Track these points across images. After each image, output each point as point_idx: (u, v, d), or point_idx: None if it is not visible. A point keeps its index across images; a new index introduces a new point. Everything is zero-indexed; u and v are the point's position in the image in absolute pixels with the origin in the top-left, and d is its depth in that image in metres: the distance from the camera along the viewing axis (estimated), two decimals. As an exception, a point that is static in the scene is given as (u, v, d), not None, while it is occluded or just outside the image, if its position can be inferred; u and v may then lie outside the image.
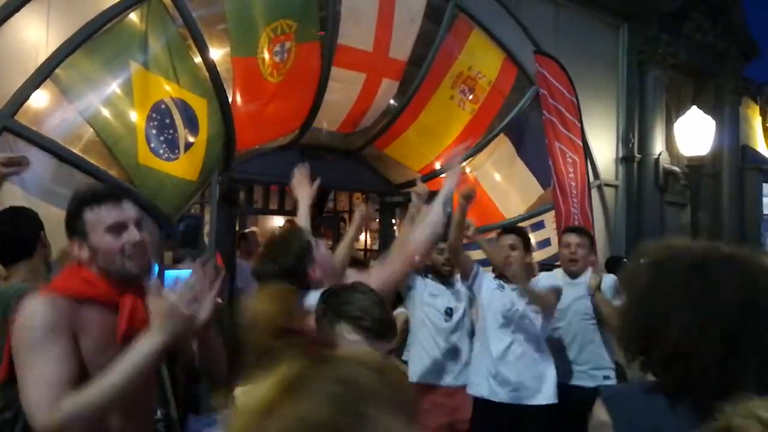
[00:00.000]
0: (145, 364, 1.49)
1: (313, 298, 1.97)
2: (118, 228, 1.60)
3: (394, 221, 7.03)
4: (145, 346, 1.48)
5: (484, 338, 3.37)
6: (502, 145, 6.04)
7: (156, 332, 1.49)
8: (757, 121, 13.00)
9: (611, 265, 5.29)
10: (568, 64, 6.38)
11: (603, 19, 7.65)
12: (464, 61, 5.64)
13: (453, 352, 3.54)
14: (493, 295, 3.40)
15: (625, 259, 6.13)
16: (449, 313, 3.57)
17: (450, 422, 3.43)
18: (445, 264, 3.63)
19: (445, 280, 3.68)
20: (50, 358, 1.46)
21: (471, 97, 5.74)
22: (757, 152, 11.51)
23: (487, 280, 3.48)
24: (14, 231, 2.22)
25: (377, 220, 6.86)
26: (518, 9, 6.24)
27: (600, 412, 1.13)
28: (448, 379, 3.49)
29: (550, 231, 5.80)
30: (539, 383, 3.22)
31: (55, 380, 1.44)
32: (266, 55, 4.37)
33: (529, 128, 5.94)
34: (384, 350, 1.56)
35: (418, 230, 2.20)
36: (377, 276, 2.04)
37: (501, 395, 3.22)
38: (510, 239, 3.50)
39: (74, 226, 1.62)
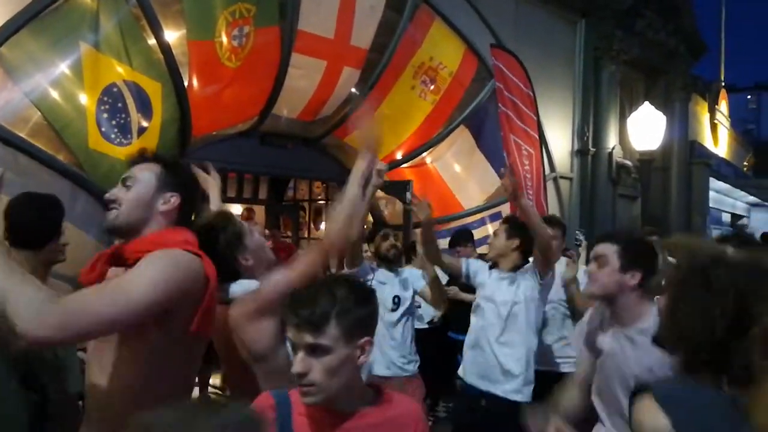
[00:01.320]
0: None
1: (239, 286, 1.91)
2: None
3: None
4: None
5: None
6: (462, 137, 6.10)
7: None
8: (705, 118, 13.55)
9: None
10: (526, 58, 6.47)
11: (561, 15, 7.79)
12: (426, 51, 5.65)
13: (401, 342, 3.45)
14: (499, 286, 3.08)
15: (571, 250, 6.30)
16: (396, 302, 3.47)
17: None
18: (390, 249, 3.50)
19: (392, 266, 3.55)
20: None
21: (432, 87, 5.76)
22: (704, 147, 11.99)
23: (482, 272, 3.14)
24: (34, 216, 2.01)
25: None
26: (479, 1, 6.28)
27: (650, 415, 1.00)
28: (396, 370, 3.41)
29: (507, 221, 5.90)
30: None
31: None
32: (224, 39, 4.26)
33: (488, 120, 6.01)
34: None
35: (331, 215, 2.03)
36: (275, 281, 1.90)
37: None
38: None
39: None
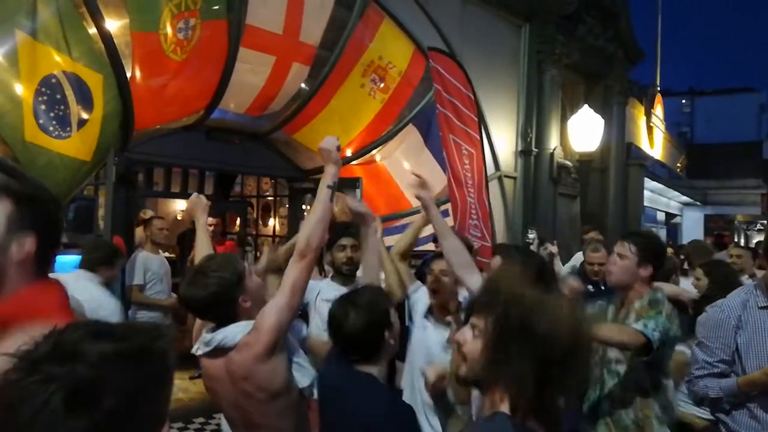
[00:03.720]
0: None
1: (235, 330, 1.85)
2: None
3: (303, 207, 6.99)
4: None
5: None
6: (411, 135, 6.19)
7: None
8: (641, 121, 14.18)
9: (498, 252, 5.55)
10: (472, 60, 6.63)
11: (507, 18, 7.99)
12: (375, 50, 5.70)
13: None
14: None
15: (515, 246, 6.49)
16: None
17: None
18: (347, 263, 3.15)
19: (348, 280, 3.16)
20: None
21: (381, 86, 5.82)
22: (640, 149, 12.56)
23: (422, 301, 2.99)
24: None
25: (286, 206, 6.81)
26: (427, 2, 6.38)
27: None
28: None
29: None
30: None
31: None
32: (169, 31, 4.18)
33: (435, 119, 6.12)
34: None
35: (305, 221, 2.00)
36: (269, 316, 1.83)
37: None
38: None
39: None
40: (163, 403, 0.84)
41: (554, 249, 5.01)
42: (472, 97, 6.18)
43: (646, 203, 12.54)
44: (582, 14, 8.79)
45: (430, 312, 2.91)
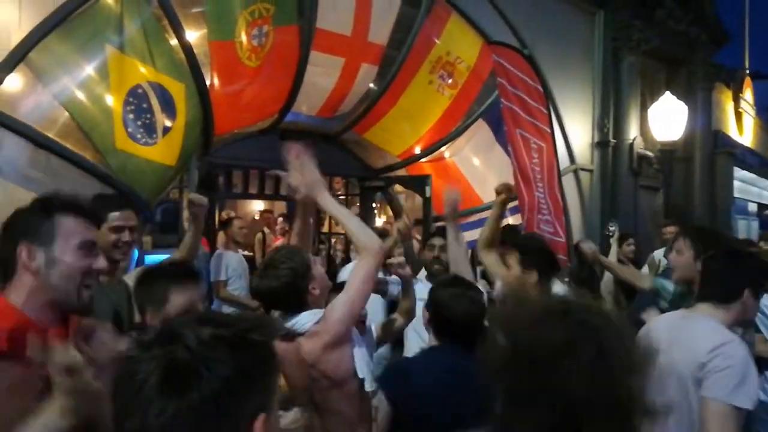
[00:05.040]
0: None
1: (308, 318, 1.98)
2: (90, 247, 1.41)
3: (374, 206, 7.07)
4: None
5: None
6: (481, 130, 6.10)
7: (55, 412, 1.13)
8: (729, 106, 13.28)
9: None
10: (544, 51, 6.46)
11: (579, 6, 7.73)
12: (443, 46, 5.67)
13: None
14: None
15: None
16: None
17: None
18: (435, 262, 3.33)
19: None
20: None
21: (450, 82, 5.78)
22: (728, 137, 11.78)
23: None
24: None
25: (357, 204, 6.90)
26: (495, -6, 6.27)
27: None
28: None
29: (527, 215, 5.89)
30: None
31: None
32: (244, 39, 4.34)
33: (505, 113, 6.01)
34: None
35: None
36: (339, 308, 1.94)
37: None
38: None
39: (34, 228, 1.38)
40: (262, 394, 0.85)
41: (589, 247, 4.59)
42: (541, 89, 6.02)
43: (736, 194, 11.78)
44: (660, -3, 8.37)
45: None
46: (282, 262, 2.01)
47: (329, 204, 2.07)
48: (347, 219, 2.06)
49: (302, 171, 2.07)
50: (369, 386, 2.01)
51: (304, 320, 1.97)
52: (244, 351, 0.82)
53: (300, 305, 2.00)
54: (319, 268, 2.10)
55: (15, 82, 3.55)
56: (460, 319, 1.99)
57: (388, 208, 7.36)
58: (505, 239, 3.94)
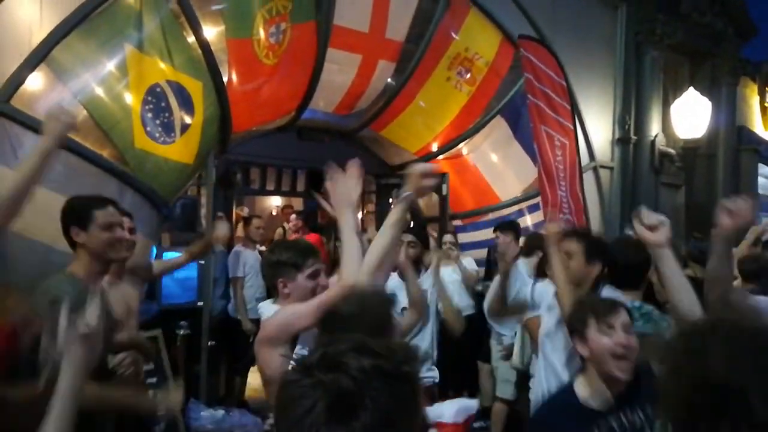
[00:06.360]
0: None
1: (267, 307, 2.13)
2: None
3: (390, 202, 7.05)
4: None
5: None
6: (499, 127, 6.04)
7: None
8: (755, 101, 12.96)
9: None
10: (565, 46, 6.35)
11: (600, 0, 7.59)
12: (461, 42, 5.61)
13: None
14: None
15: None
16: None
17: None
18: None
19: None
20: None
21: (468, 77, 5.72)
22: (753, 133, 11.50)
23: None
24: None
25: (373, 201, 6.89)
26: (516, -11, 6.18)
27: None
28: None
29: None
30: None
31: None
32: (262, 37, 4.33)
33: (525, 110, 5.92)
34: None
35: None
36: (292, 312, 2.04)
37: None
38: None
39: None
40: (412, 424, 0.85)
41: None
42: (565, 84, 5.93)
43: (760, 191, 11.52)
44: (685, -10, 8.17)
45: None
46: (280, 250, 2.19)
47: (346, 226, 2.01)
48: (348, 245, 1.99)
49: (343, 182, 2.09)
50: None
51: (264, 309, 2.13)
52: (400, 383, 0.83)
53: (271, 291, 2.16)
54: (306, 283, 2.10)
55: (36, 80, 3.59)
56: None
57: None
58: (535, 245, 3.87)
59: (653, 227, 1.99)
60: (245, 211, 7.76)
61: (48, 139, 2.10)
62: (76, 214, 2.23)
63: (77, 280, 2.14)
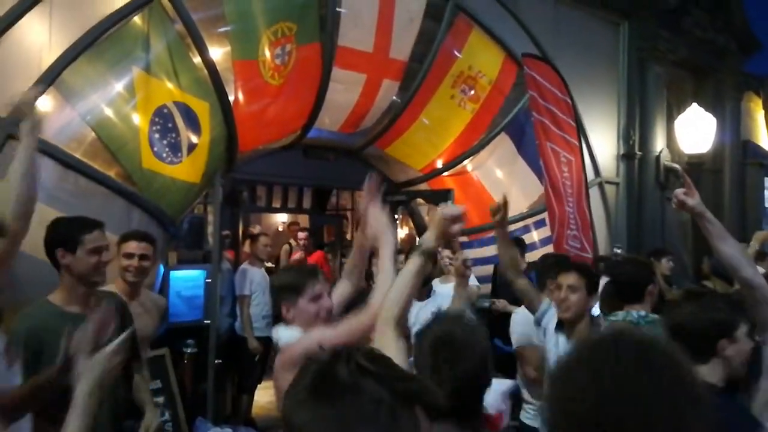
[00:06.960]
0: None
1: (284, 332, 2.08)
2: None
3: (396, 217, 7.08)
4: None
5: None
6: (503, 144, 6.07)
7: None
8: (759, 115, 12.95)
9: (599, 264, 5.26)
10: (567, 63, 6.40)
11: (603, 17, 7.65)
12: (464, 60, 5.66)
13: None
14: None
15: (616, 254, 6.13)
16: None
17: None
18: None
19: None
20: None
21: (471, 95, 5.76)
22: (759, 147, 11.48)
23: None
24: None
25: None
26: (517, 7, 6.24)
27: None
28: None
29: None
30: None
31: None
32: (267, 58, 4.39)
33: (529, 126, 5.96)
34: None
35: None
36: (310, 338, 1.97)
37: None
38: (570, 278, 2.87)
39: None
40: None
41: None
42: (570, 101, 5.96)
43: (767, 205, 11.47)
44: (687, 5, 8.22)
45: (560, 327, 2.91)
46: (280, 275, 2.32)
47: (386, 258, 1.95)
48: (384, 277, 1.91)
49: (375, 216, 2.08)
50: None
51: (281, 333, 2.07)
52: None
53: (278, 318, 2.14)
54: (324, 302, 2.08)
55: (44, 103, 3.64)
56: None
57: (410, 220, 7.35)
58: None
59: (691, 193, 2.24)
60: (258, 229, 7.80)
61: (28, 123, 2.29)
62: (64, 236, 2.22)
63: (56, 307, 2.20)
